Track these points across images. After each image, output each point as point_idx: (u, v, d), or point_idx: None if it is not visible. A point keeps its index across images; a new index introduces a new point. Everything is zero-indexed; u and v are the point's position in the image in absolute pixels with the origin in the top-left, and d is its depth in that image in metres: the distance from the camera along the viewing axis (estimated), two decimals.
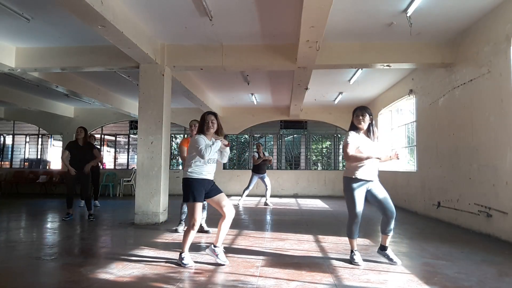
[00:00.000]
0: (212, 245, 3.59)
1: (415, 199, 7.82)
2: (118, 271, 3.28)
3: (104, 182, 11.26)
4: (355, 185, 3.49)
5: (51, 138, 13.34)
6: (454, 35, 5.92)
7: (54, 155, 13.51)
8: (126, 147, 13.28)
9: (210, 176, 3.60)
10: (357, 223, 3.54)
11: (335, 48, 6.27)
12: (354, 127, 3.62)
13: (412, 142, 8.69)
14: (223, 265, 3.46)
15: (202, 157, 3.43)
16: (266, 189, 8.90)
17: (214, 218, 5.69)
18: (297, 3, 4.57)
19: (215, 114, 3.64)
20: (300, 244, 4.50)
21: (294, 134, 13.36)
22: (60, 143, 13.20)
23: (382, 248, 3.64)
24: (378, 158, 3.48)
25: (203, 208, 5.22)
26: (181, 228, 5.23)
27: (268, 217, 7.00)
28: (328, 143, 13.34)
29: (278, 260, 3.68)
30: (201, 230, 5.10)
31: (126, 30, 4.94)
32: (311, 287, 2.90)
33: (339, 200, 10.40)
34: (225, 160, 3.76)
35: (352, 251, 3.65)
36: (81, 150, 6.36)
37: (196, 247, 4.31)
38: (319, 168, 13.30)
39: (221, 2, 4.82)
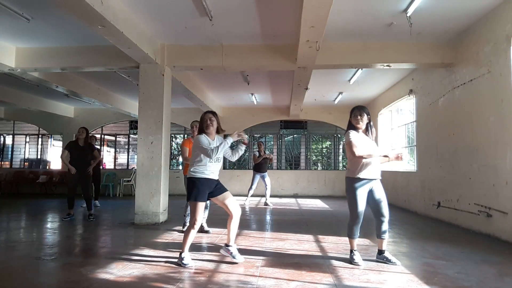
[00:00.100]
0: (225, 245, 3.64)
1: (415, 199, 7.82)
2: (118, 271, 3.29)
3: (104, 182, 11.26)
4: (357, 185, 3.48)
5: (51, 138, 13.34)
6: (454, 35, 5.92)
7: (54, 155, 13.51)
8: (126, 147, 13.28)
9: (214, 176, 3.58)
10: (358, 224, 3.54)
11: (335, 48, 6.27)
12: (352, 127, 3.63)
13: (412, 142, 8.69)
14: (237, 263, 3.49)
15: (210, 156, 3.42)
16: (266, 188, 8.91)
17: (214, 218, 5.71)
18: (297, 3, 4.57)
19: (213, 113, 3.65)
20: (300, 244, 4.50)
21: (294, 134, 13.35)
22: (60, 143, 13.20)
23: (379, 253, 3.64)
24: (386, 156, 3.50)
25: (205, 207, 5.22)
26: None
27: (268, 217, 7.00)
28: (328, 143, 13.34)
29: (278, 260, 3.68)
30: (201, 230, 5.09)
31: (126, 30, 4.94)
32: (311, 287, 2.90)
33: (339, 200, 10.41)
34: (235, 158, 3.72)
35: (351, 251, 3.65)
36: (82, 150, 6.37)
37: (197, 247, 4.32)
38: (319, 168, 13.29)
39: (221, 2, 4.82)
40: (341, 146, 12.95)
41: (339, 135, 12.68)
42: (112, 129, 13.18)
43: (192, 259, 3.56)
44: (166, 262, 3.61)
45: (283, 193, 12.11)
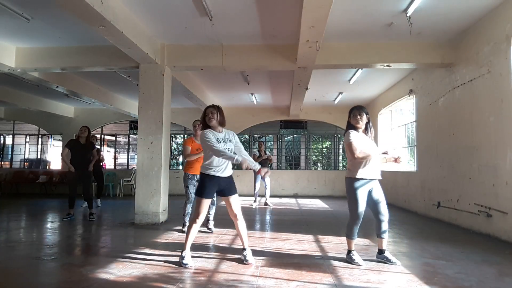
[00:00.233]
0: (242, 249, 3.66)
1: (415, 199, 7.82)
2: (118, 271, 3.29)
3: (104, 182, 11.25)
4: (358, 185, 3.48)
5: (51, 138, 13.34)
6: (454, 35, 5.92)
7: (54, 155, 13.51)
8: (126, 147, 13.28)
9: (222, 173, 3.53)
10: (358, 224, 3.53)
11: (335, 48, 6.27)
12: (351, 127, 3.62)
13: (412, 142, 8.69)
14: (251, 264, 3.50)
15: (214, 152, 3.38)
16: (266, 188, 8.91)
17: (215, 218, 5.70)
18: (297, 3, 4.57)
19: (215, 106, 3.62)
20: (300, 244, 4.50)
21: (294, 134, 13.35)
22: (60, 143, 13.20)
23: (380, 252, 3.64)
24: (384, 153, 3.51)
25: (212, 204, 5.22)
26: (186, 229, 5.21)
27: (268, 217, 7.00)
28: (328, 143, 13.33)
29: (278, 260, 3.68)
30: (205, 224, 5.11)
31: (126, 30, 4.94)
32: (311, 287, 2.90)
33: (339, 200, 10.41)
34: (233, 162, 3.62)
35: (350, 251, 3.65)
36: (83, 149, 6.39)
37: (197, 247, 4.32)
38: (319, 168, 13.29)
39: (221, 2, 4.82)
40: (341, 146, 12.95)
41: (339, 135, 12.67)
42: (112, 129, 13.18)
43: (193, 257, 3.57)
44: (166, 262, 3.61)
45: (283, 193, 12.11)
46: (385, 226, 3.53)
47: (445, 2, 4.82)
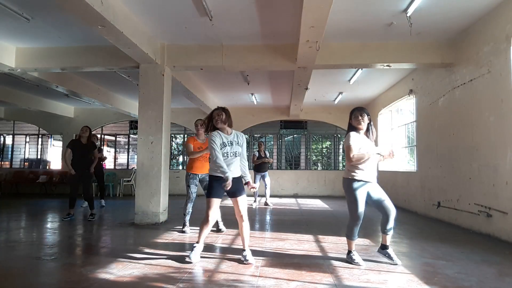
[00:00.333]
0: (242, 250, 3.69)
1: (415, 199, 7.82)
2: (118, 271, 3.29)
3: (104, 182, 11.25)
4: (356, 186, 3.48)
5: (51, 138, 13.34)
6: (454, 35, 5.92)
7: (54, 155, 13.51)
8: (126, 147, 13.28)
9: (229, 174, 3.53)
10: (358, 225, 3.53)
11: (335, 48, 6.27)
12: (353, 128, 3.61)
13: (412, 142, 8.69)
14: (251, 264, 3.52)
15: (212, 155, 3.49)
16: (266, 188, 8.91)
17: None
18: (297, 3, 4.57)
19: (221, 108, 3.65)
20: (300, 244, 4.50)
21: (294, 134, 13.35)
22: (60, 143, 13.20)
23: (383, 247, 3.64)
24: (379, 154, 3.49)
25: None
26: (186, 229, 5.22)
27: (268, 217, 7.00)
28: (328, 143, 13.33)
29: (278, 260, 3.68)
30: (216, 226, 5.16)
31: (126, 30, 4.94)
32: (311, 287, 2.90)
33: (339, 200, 10.41)
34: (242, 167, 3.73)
35: (350, 252, 3.64)
36: (83, 149, 6.39)
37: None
38: (319, 168, 13.29)
39: (221, 2, 4.82)
40: (341, 146, 12.95)
41: (339, 135, 12.67)
42: (112, 129, 13.18)
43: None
44: (166, 262, 3.61)
45: (283, 193, 12.11)
46: (392, 222, 3.51)
47: (445, 2, 4.82)
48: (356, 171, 3.48)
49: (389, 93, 9.61)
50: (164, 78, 6.27)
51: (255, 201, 8.89)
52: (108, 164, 13.55)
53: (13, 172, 12.61)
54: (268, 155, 9.21)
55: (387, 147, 3.65)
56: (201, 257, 3.75)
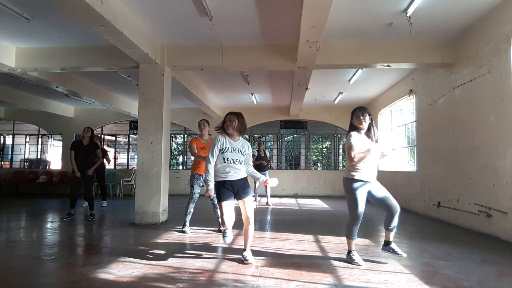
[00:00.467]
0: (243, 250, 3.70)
1: (415, 199, 7.82)
2: (118, 271, 3.29)
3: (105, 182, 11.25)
4: (356, 186, 3.47)
5: (51, 138, 13.34)
6: (454, 35, 5.92)
7: (54, 155, 13.51)
8: (126, 147, 13.28)
9: (231, 177, 3.56)
10: (358, 224, 3.53)
11: (335, 48, 6.27)
12: (354, 128, 3.60)
13: (412, 142, 8.69)
14: (251, 264, 3.52)
15: (205, 163, 3.58)
16: (266, 188, 8.91)
17: (214, 218, 5.70)
18: (297, 3, 4.57)
19: (236, 114, 3.63)
20: (300, 244, 4.50)
21: (294, 134, 13.35)
22: (60, 143, 13.20)
23: (386, 244, 3.63)
24: (380, 152, 3.49)
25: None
26: (186, 228, 5.22)
27: (268, 217, 7.00)
28: (328, 143, 13.33)
29: (278, 260, 3.68)
30: (217, 226, 5.24)
31: (126, 30, 4.94)
32: (311, 287, 2.90)
33: (339, 200, 10.40)
34: (249, 174, 3.77)
35: (350, 252, 3.65)
36: (85, 149, 6.39)
37: (197, 247, 4.32)
38: (319, 168, 13.29)
39: (221, 2, 4.82)
40: (341, 146, 12.95)
41: (339, 135, 12.68)
42: (112, 129, 13.18)
43: (193, 257, 3.56)
44: (166, 262, 3.61)
45: (283, 193, 12.11)
46: (396, 220, 3.51)
47: (445, 2, 4.82)
48: (356, 171, 3.48)
49: (389, 93, 9.61)
50: (164, 78, 6.27)
51: (255, 200, 8.89)
52: (108, 164, 13.56)
53: (13, 172, 12.61)
54: (268, 154, 9.21)
55: (380, 147, 3.63)
56: (201, 257, 3.75)
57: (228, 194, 3.57)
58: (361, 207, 3.47)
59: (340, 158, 12.92)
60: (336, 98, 10.63)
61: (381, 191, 3.54)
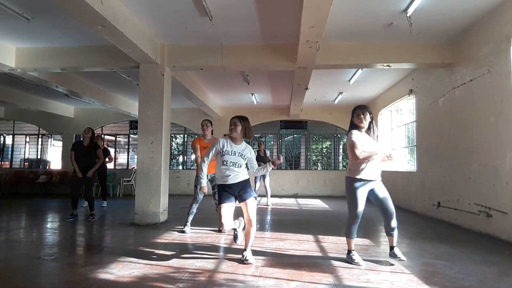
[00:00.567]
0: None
1: (415, 199, 7.82)
2: (118, 271, 3.29)
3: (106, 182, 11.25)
4: (357, 185, 3.47)
5: (51, 138, 13.34)
6: (454, 35, 5.92)
7: (54, 155, 13.51)
8: (126, 147, 13.28)
9: (230, 181, 3.58)
10: (357, 223, 3.54)
11: (335, 48, 6.27)
12: (355, 126, 3.60)
13: (412, 142, 8.69)
14: (251, 264, 3.53)
15: (201, 162, 3.71)
16: (266, 188, 8.91)
17: (214, 218, 5.71)
18: (297, 3, 4.57)
19: (241, 118, 3.64)
20: (300, 244, 4.50)
21: (294, 134, 13.35)
22: (60, 143, 13.20)
23: (390, 249, 3.61)
24: (385, 154, 3.47)
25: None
26: (187, 229, 5.22)
27: (268, 217, 7.01)
28: (328, 143, 13.34)
29: (278, 260, 3.68)
30: (218, 226, 5.22)
31: (126, 30, 4.94)
32: (311, 287, 2.90)
33: (339, 200, 10.41)
34: (258, 174, 3.79)
35: (350, 251, 3.65)
36: (85, 150, 6.39)
37: (197, 247, 4.32)
38: (319, 168, 13.29)
39: (221, 2, 4.82)
40: (341, 146, 12.95)
41: (339, 135, 12.68)
42: (112, 129, 13.18)
43: (193, 257, 3.56)
44: (166, 262, 3.61)
45: (283, 193, 12.11)
46: (393, 223, 3.50)
47: (445, 2, 4.82)
48: (358, 170, 3.47)
49: (389, 93, 9.61)
50: (164, 78, 6.27)
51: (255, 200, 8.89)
52: (109, 164, 13.56)
53: (13, 172, 12.61)
54: (268, 154, 9.21)
55: (387, 149, 3.62)
56: (202, 257, 3.75)
57: (228, 197, 3.59)
58: (360, 206, 3.47)
59: (340, 158, 12.92)
60: (336, 98, 10.63)
61: (381, 192, 3.53)
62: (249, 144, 3.84)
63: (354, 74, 8.00)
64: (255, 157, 3.80)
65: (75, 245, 4.62)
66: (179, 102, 10.56)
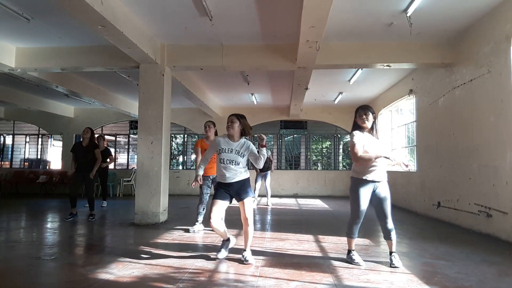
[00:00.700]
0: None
1: (415, 199, 7.82)
2: (118, 271, 3.29)
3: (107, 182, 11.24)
4: (361, 186, 3.45)
5: (51, 138, 13.34)
6: (454, 35, 5.92)
7: (54, 155, 13.51)
8: (126, 147, 13.28)
9: (227, 179, 3.58)
10: (358, 223, 3.53)
11: (335, 48, 6.27)
12: (358, 127, 3.60)
13: (412, 142, 8.70)
14: (251, 264, 3.52)
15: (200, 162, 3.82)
16: (266, 188, 8.91)
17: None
18: (297, 3, 4.57)
19: (238, 116, 3.67)
20: (300, 244, 4.50)
21: (294, 134, 13.35)
22: (60, 143, 13.20)
23: (390, 254, 3.58)
24: (386, 158, 3.39)
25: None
26: (195, 228, 5.23)
27: (268, 217, 7.01)
28: (328, 143, 13.33)
29: (278, 260, 3.68)
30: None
31: (126, 30, 4.94)
32: (311, 287, 2.90)
33: (339, 200, 10.41)
34: (260, 165, 3.70)
35: (350, 251, 3.64)
36: (83, 150, 6.39)
37: (197, 247, 4.32)
38: (319, 168, 13.29)
39: (221, 2, 4.82)
40: (341, 146, 12.96)
41: (339, 135, 12.68)
42: (112, 129, 13.18)
43: (193, 257, 3.56)
44: (166, 262, 3.61)
45: (283, 193, 12.11)
46: (389, 224, 3.47)
47: (445, 2, 4.82)
48: (362, 170, 3.46)
49: (389, 93, 9.61)
50: (164, 78, 6.27)
51: (254, 201, 8.89)
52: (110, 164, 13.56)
53: (13, 172, 12.60)
54: (270, 154, 9.20)
55: (399, 156, 3.57)
56: (202, 257, 3.76)
57: (223, 195, 3.60)
58: (363, 206, 3.46)
59: (340, 158, 12.92)
60: (336, 98, 10.63)
61: (383, 192, 3.49)
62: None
63: (354, 74, 8.00)
64: (256, 151, 3.73)
65: (75, 245, 4.62)
66: (179, 102, 10.56)
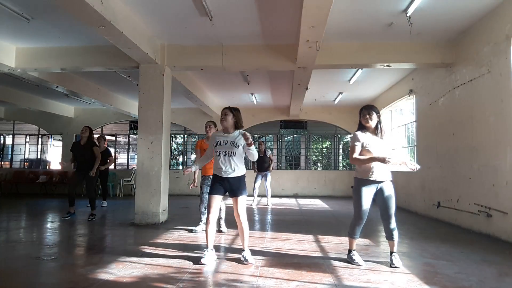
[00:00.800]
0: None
1: (415, 199, 7.82)
2: (118, 271, 3.28)
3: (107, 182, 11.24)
4: (364, 186, 3.45)
5: (51, 138, 13.34)
6: (454, 35, 5.92)
7: (54, 155, 13.50)
8: (126, 147, 13.28)
9: (224, 173, 3.57)
10: (361, 224, 3.52)
11: (335, 48, 6.27)
12: (362, 127, 3.60)
13: (412, 142, 8.70)
14: (251, 264, 3.52)
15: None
16: (266, 188, 8.91)
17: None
18: (297, 3, 4.57)
19: (231, 108, 3.70)
20: (300, 244, 4.50)
21: (294, 134, 13.35)
22: (60, 143, 13.20)
23: (390, 254, 3.58)
24: (383, 161, 3.24)
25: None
26: (198, 228, 5.25)
27: (268, 217, 7.00)
28: (328, 143, 13.33)
29: (278, 260, 3.68)
30: (217, 226, 5.10)
31: (126, 30, 4.94)
32: (311, 287, 2.90)
33: (339, 200, 10.41)
34: (253, 158, 3.69)
35: (350, 251, 3.64)
36: (81, 149, 6.39)
37: (197, 247, 4.32)
38: (319, 168, 13.29)
39: (221, 2, 4.82)
40: (341, 146, 12.95)
41: (339, 135, 12.68)
42: (112, 129, 13.18)
43: (193, 257, 3.56)
44: (166, 262, 3.61)
45: (283, 193, 12.11)
46: (392, 224, 3.47)
47: (445, 2, 4.82)
48: (365, 171, 3.45)
49: (389, 93, 9.61)
50: (164, 78, 6.27)
51: (253, 200, 8.89)
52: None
53: (13, 172, 12.60)
54: (269, 154, 9.17)
55: (406, 160, 3.50)
56: (201, 257, 3.75)
57: (219, 189, 3.61)
58: (365, 206, 3.46)
59: (340, 158, 12.92)
60: (336, 98, 10.62)
61: (387, 190, 3.47)
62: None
63: (354, 74, 8.00)
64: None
65: (75, 245, 4.62)
66: (179, 102, 10.56)
